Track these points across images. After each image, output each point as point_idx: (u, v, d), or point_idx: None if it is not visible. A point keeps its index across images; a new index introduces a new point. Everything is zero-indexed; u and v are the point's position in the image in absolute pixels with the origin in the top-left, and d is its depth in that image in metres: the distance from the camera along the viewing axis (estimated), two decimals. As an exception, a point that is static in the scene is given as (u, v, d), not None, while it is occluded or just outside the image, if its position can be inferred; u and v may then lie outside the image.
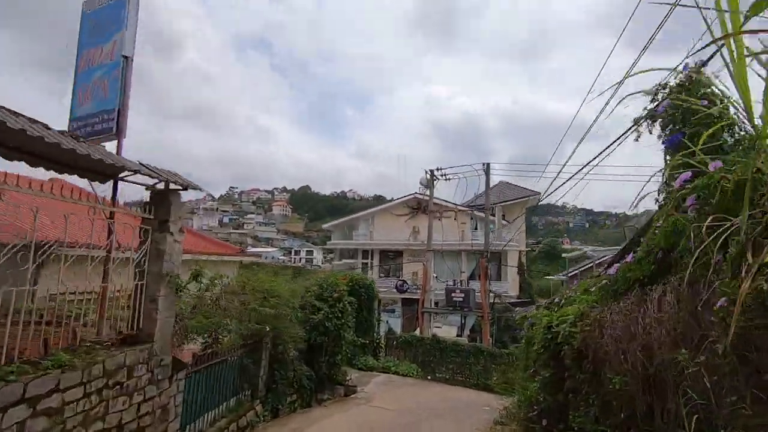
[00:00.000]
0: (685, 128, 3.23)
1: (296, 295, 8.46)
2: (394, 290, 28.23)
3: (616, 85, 3.99)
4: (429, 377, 12.64)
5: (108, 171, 4.51)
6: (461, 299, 14.93)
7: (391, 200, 30.18)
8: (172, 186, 5.07)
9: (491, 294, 17.29)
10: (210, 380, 6.44)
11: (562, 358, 4.51)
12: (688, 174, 2.52)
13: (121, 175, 4.75)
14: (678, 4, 3.50)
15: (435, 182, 16.53)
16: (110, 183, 4.72)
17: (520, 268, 30.30)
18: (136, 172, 4.53)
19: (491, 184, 20.68)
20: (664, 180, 3.50)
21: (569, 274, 27.32)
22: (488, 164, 15.43)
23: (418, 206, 31.49)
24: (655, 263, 3.41)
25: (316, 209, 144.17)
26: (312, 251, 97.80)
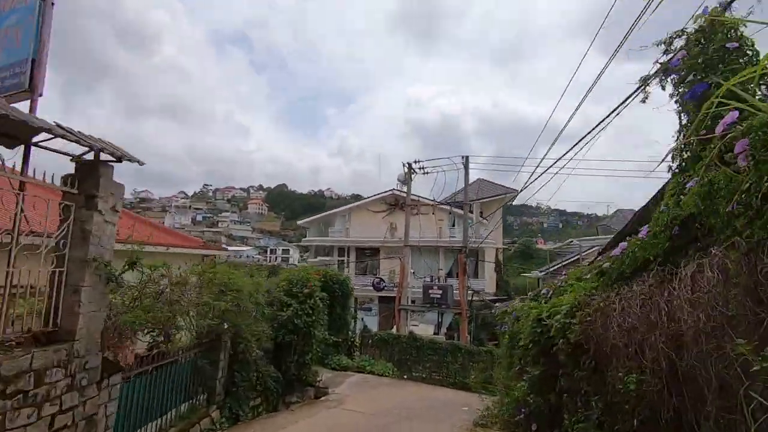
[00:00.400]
0: (711, 77, 2.71)
1: (260, 290, 7.70)
2: (371, 288, 27.61)
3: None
4: (405, 376, 12.05)
5: (15, 132, 3.69)
6: (439, 296, 14.41)
7: (369, 197, 29.49)
8: (103, 156, 4.28)
9: (469, 291, 16.92)
10: (157, 384, 5.65)
11: (555, 354, 3.97)
12: (734, 114, 1.97)
13: (35, 140, 3.92)
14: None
15: (413, 176, 15.99)
16: (21, 150, 3.89)
17: (497, 265, 30.17)
18: (52, 134, 3.72)
19: (470, 180, 20.40)
20: (682, 142, 2.97)
21: (550, 269, 27.23)
22: (467, 157, 14.97)
23: (396, 202, 30.95)
24: (671, 239, 2.88)
25: (292, 208, 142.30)
26: (288, 249, 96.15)
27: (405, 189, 30.17)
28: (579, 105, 7.80)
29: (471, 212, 30.41)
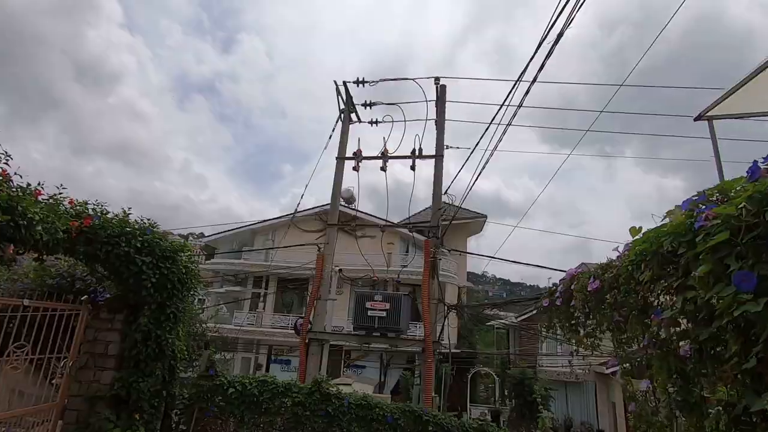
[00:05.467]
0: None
1: None
2: (292, 332, 19.90)
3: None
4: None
5: None
6: (383, 315, 7.52)
7: (301, 210, 22.52)
8: None
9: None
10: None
11: None
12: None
13: None
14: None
15: (351, 123, 9.64)
16: None
17: (459, 308, 23.54)
18: None
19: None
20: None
21: (523, 316, 21.05)
22: (439, 81, 8.98)
23: (335, 220, 24.23)
24: None
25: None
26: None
27: (347, 204, 23.65)
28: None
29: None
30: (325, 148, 9.47)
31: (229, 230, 23.36)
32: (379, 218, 23.19)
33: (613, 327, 2.39)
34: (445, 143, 8.77)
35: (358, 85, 9.02)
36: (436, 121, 9.10)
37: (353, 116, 9.80)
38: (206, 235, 24.76)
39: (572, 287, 2.80)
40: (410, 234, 22.92)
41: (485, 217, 24.41)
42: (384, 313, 7.48)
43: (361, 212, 23.17)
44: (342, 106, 9.57)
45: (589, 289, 2.43)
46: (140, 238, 5.18)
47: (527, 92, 6.42)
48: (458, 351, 21.32)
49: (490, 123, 6.95)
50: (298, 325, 20.99)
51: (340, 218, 24.03)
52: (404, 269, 21.74)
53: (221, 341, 23.32)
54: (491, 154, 6.93)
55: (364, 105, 9.55)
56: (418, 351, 10.40)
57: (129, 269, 5.12)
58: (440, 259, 7.85)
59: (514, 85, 6.42)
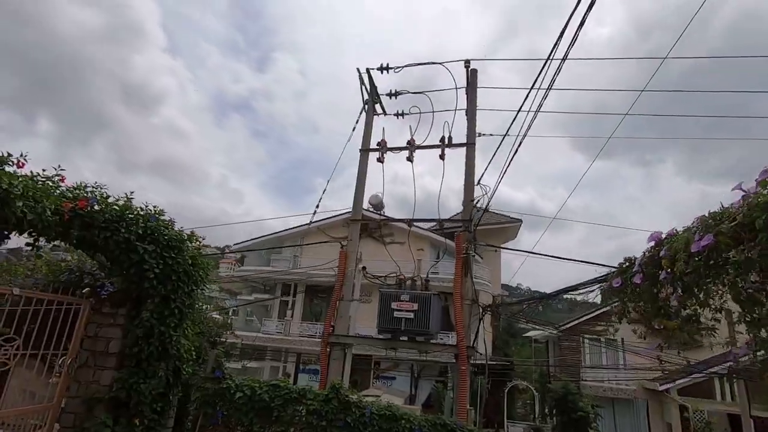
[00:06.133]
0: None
1: None
2: (320, 340, 19.31)
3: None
4: None
5: None
6: (410, 316, 6.79)
7: (329, 217, 22.13)
8: None
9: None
10: None
11: None
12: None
13: None
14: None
15: (375, 115, 9.09)
16: None
17: (495, 317, 22.37)
18: None
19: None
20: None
21: (566, 326, 19.68)
22: (470, 64, 8.29)
23: (363, 227, 23.70)
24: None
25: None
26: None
27: (375, 210, 23.13)
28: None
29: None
30: (349, 140, 8.95)
31: (257, 238, 23.25)
32: (405, 220, 22.52)
33: (744, 297, 1.62)
34: (477, 131, 8.06)
35: (382, 72, 8.47)
36: (466, 111, 8.41)
37: (378, 108, 9.26)
38: (235, 243, 24.74)
39: (660, 255, 2.04)
40: (441, 240, 22.08)
41: (520, 221, 23.24)
42: (411, 315, 6.74)
43: (390, 218, 22.58)
44: (366, 97, 9.04)
45: (694, 250, 1.69)
46: (142, 225, 4.74)
47: (558, 70, 5.67)
48: (494, 362, 20.15)
49: (519, 109, 6.22)
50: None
51: (368, 225, 23.60)
52: (435, 275, 20.90)
53: (252, 349, 23.12)
54: (522, 139, 6.19)
55: (389, 95, 8.99)
56: (451, 363, 9.56)
57: (129, 258, 4.68)
58: (474, 256, 7.07)
59: (545, 64, 5.67)
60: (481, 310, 7.42)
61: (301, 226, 23.17)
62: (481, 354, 7.27)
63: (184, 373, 5.10)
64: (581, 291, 4.71)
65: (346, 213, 22.79)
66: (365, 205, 20.39)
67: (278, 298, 23.30)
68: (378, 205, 23.66)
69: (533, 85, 6.06)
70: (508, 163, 6.94)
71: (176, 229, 5.22)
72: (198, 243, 5.44)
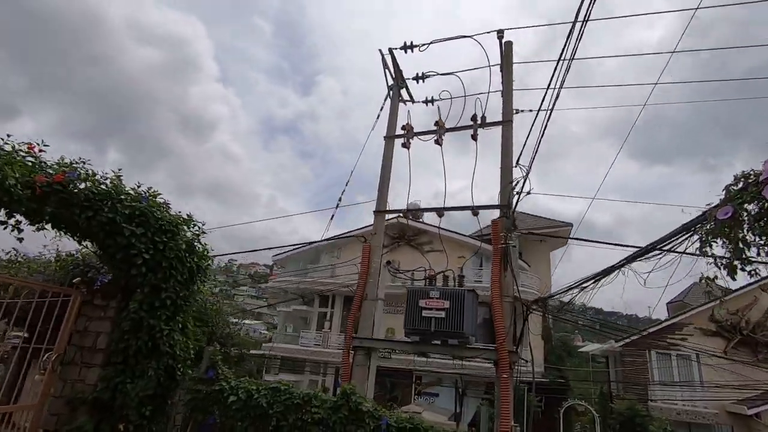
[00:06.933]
0: None
1: None
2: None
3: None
4: None
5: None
6: (441, 315, 5.88)
7: (365, 225, 21.60)
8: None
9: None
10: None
11: None
12: None
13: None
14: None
15: (401, 89, 8.36)
16: None
17: (546, 332, 20.62)
18: None
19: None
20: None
21: (626, 341, 17.72)
22: (503, 35, 7.41)
23: (401, 235, 22.92)
24: None
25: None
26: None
27: (414, 219, 22.29)
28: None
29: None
30: (373, 128, 8.29)
31: (294, 248, 23.09)
32: (446, 230, 21.44)
33: None
34: (514, 108, 7.15)
35: (406, 51, 7.79)
36: (501, 85, 7.53)
37: (404, 94, 8.57)
38: (274, 255, 24.72)
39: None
40: (486, 247, 20.85)
41: (570, 225, 21.52)
42: (442, 314, 5.84)
43: (427, 224, 21.67)
44: (390, 81, 8.40)
45: None
46: (130, 205, 4.26)
47: (581, 35, 4.71)
48: (546, 380, 18.41)
49: (562, 57, 5.26)
50: (365, 347, 19.66)
51: (406, 232, 22.76)
52: (479, 284, 19.61)
53: (292, 362, 22.71)
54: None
55: (416, 78, 8.29)
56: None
57: (116, 242, 4.20)
58: (514, 246, 6.09)
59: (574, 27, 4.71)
60: (525, 310, 6.36)
61: (338, 236, 22.76)
62: (526, 361, 6.21)
63: (179, 373, 4.51)
64: (666, 247, 3.59)
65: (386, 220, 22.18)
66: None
67: (317, 310, 22.86)
68: (416, 213, 22.82)
69: (562, 54, 5.13)
70: (540, 135, 5.97)
71: (173, 213, 4.73)
72: (197, 229, 4.91)
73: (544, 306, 6.64)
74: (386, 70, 8.20)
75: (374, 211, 7.58)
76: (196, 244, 4.82)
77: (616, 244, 5.73)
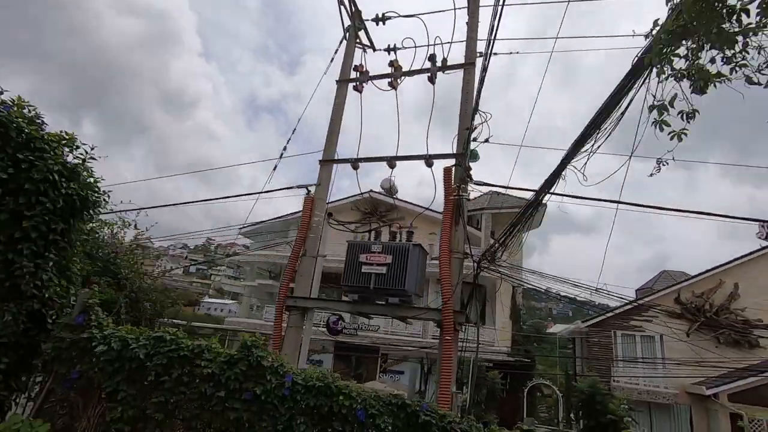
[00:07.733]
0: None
1: None
2: (324, 330, 18.36)
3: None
4: None
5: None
6: (383, 271, 5.29)
7: (337, 200, 20.79)
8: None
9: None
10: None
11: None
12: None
13: None
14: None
15: (359, 32, 7.54)
16: None
17: (514, 310, 20.43)
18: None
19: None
20: None
21: (592, 321, 17.65)
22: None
23: (374, 210, 22.22)
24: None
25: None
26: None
27: (386, 192, 21.63)
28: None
29: (479, 227, 21.49)
30: (325, 73, 7.47)
31: (261, 222, 22.16)
32: (419, 206, 20.83)
33: None
34: (477, 50, 6.45)
35: (379, 21, 7.02)
36: (467, 31, 6.81)
37: (363, 37, 7.77)
38: (241, 228, 23.74)
39: None
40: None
41: (545, 205, 21.17)
42: (383, 269, 5.20)
43: (400, 200, 21.01)
44: (348, 23, 7.58)
45: None
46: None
47: None
48: (512, 359, 18.23)
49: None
50: (331, 323, 19.21)
51: (378, 207, 22.09)
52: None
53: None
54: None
55: (375, 20, 7.49)
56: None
57: (-39, 155, 3.37)
58: (467, 199, 5.47)
59: None
60: (475, 266, 5.77)
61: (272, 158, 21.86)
62: (474, 323, 5.66)
63: (51, 321, 3.74)
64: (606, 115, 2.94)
65: (354, 196, 21.46)
66: (377, 189, 18.92)
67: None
68: (390, 190, 22.17)
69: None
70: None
71: (50, 132, 3.88)
72: (84, 153, 4.08)
73: (492, 259, 6.03)
74: (341, 7, 7.37)
75: (320, 161, 6.82)
76: (80, 170, 4.00)
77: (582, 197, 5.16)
